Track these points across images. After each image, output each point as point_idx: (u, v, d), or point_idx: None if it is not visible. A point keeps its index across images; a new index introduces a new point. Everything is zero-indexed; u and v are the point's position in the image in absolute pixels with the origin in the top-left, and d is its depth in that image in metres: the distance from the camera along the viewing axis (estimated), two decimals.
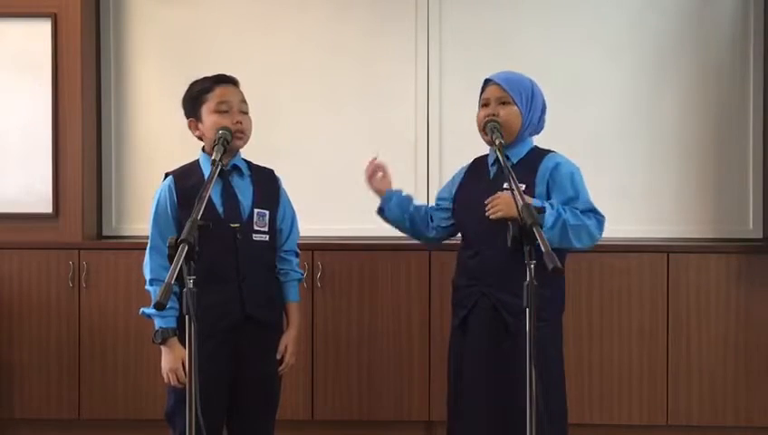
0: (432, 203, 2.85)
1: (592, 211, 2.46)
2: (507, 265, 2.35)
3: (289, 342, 2.57)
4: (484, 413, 2.45)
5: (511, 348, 2.38)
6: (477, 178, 2.62)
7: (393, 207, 2.74)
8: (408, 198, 2.78)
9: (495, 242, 2.36)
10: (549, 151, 2.57)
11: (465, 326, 2.52)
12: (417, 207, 2.78)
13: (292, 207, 2.65)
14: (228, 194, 2.46)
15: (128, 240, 3.87)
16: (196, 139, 2.56)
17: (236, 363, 2.44)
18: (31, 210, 3.80)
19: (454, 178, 2.75)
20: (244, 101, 2.52)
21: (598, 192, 3.72)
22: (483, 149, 2.66)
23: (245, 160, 2.58)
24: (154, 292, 2.41)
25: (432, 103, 3.95)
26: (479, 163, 2.68)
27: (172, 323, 2.39)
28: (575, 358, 3.60)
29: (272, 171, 2.64)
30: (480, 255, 2.49)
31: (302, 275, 2.69)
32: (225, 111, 2.46)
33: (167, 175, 2.52)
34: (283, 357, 2.55)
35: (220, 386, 2.40)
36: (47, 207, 3.80)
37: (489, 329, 2.45)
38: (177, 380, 2.38)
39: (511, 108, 2.50)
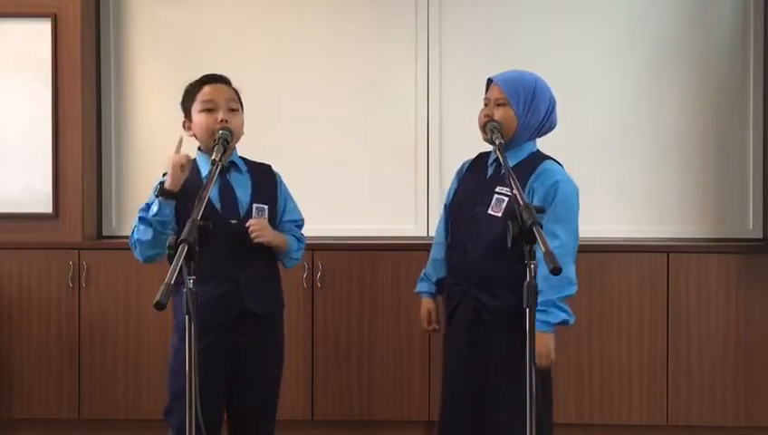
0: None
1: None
2: (490, 266, 2.41)
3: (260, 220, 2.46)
4: (460, 404, 2.50)
5: (489, 349, 2.43)
6: (476, 176, 2.61)
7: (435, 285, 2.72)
8: (435, 273, 2.72)
9: (481, 241, 2.43)
10: (546, 158, 2.53)
11: (452, 319, 2.57)
12: (441, 260, 2.70)
13: (293, 200, 2.67)
14: (226, 190, 2.48)
15: (128, 240, 3.85)
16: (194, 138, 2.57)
17: (235, 361, 2.44)
18: (31, 210, 3.79)
19: (455, 179, 2.73)
20: (233, 100, 2.51)
21: (598, 192, 3.79)
22: (483, 148, 2.66)
23: (242, 157, 2.59)
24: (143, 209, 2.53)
25: (432, 103, 3.94)
26: (480, 160, 2.66)
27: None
28: (575, 358, 3.60)
29: (269, 167, 2.65)
30: (467, 253, 2.49)
31: (299, 239, 2.63)
32: (211, 110, 2.47)
33: None
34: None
35: (218, 384, 2.40)
36: (47, 207, 3.79)
37: (469, 329, 2.47)
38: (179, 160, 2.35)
39: (506, 110, 2.48)
